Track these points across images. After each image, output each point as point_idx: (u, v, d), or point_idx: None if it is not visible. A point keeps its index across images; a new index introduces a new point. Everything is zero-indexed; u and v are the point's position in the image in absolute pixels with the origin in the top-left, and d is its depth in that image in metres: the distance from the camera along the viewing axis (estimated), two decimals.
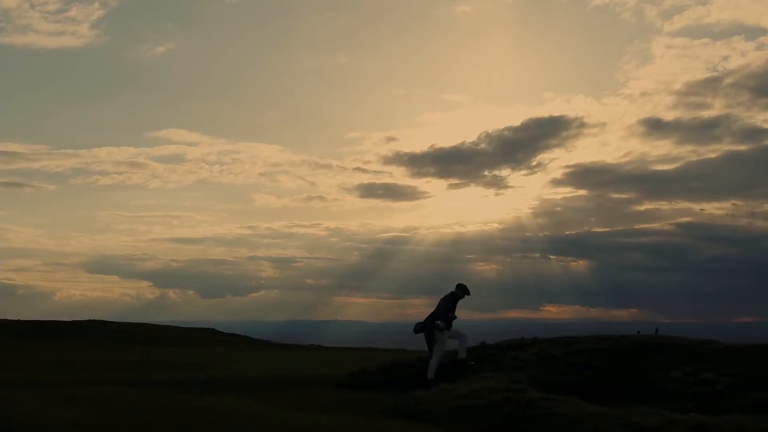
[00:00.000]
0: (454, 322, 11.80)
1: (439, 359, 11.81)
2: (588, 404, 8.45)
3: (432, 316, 11.90)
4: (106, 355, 20.62)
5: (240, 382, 12.29)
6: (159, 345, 31.08)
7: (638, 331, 41.63)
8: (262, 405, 9.07)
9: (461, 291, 12.03)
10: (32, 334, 34.83)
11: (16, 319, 43.21)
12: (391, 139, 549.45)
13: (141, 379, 12.71)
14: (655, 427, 6.86)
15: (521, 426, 7.71)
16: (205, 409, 8.55)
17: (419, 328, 11.95)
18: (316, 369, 15.51)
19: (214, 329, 44.56)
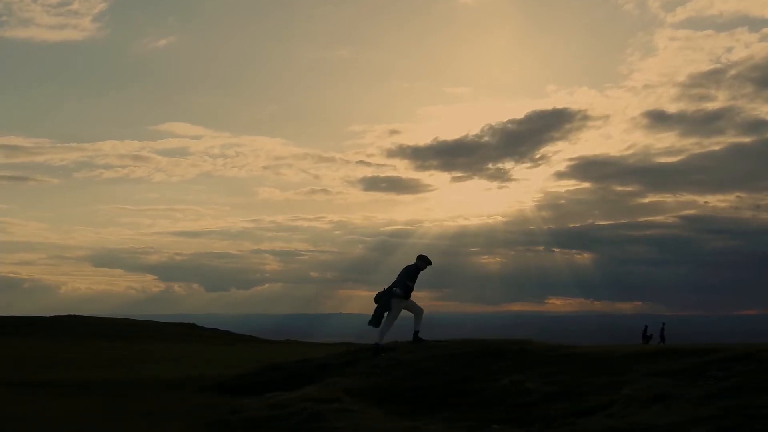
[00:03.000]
0: (413, 296, 12.06)
1: (389, 328, 12.06)
2: (383, 417, 8.17)
3: (392, 286, 12.06)
4: (34, 352, 20.54)
5: (103, 385, 12.06)
6: (123, 340, 31.21)
7: (646, 326, 40.37)
8: (64, 411, 8.85)
9: (423, 262, 12.21)
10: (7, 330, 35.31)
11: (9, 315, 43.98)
12: (394, 132, 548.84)
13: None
14: None
15: None
16: None
17: (378, 297, 12.07)
18: (236, 369, 15.13)
19: (194, 324, 44.73)
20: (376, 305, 12.16)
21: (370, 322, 12.21)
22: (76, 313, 45.59)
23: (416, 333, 12.36)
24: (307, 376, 11.64)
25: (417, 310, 12.27)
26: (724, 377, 7.34)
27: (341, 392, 9.39)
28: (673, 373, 7.91)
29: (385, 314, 12.04)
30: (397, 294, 11.93)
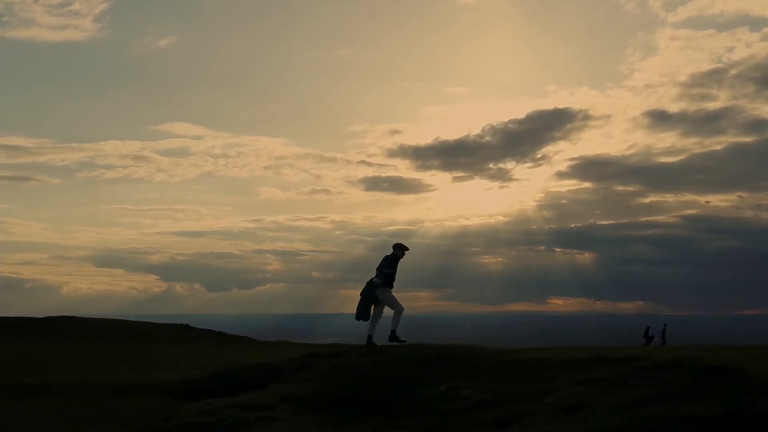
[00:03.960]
0: (399, 298, 12.21)
1: (378, 319, 12.28)
2: (311, 425, 8.15)
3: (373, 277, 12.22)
4: (10, 353, 20.58)
5: (54, 388, 12.04)
6: (111, 341, 31.26)
7: (648, 327, 40.22)
8: None
9: (399, 249, 12.38)
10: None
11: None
12: (395, 132, 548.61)
13: None
14: None
15: None
16: None
17: (362, 291, 12.22)
18: (198, 372, 15.08)
19: (187, 325, 44.74)
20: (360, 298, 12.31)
21: (358, 317, 12.35)
22: (74, 314, 45.64)
23: (393, 332, 12.42)
24: (259, 380, 11.64)
25: (397, 309, 12.31)
26: (645, 385, 7.28)
27: (279, 399, 9.39)
28: (598, 381, 7.85)
29: (372, 306, 12.24)
30: (377, 284, 12.11)
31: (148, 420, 8.88)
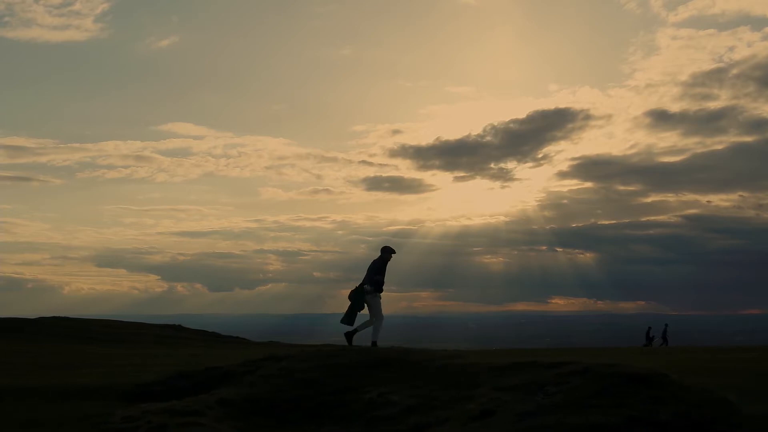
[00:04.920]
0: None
1: (381, 323, 12.22)
2: (226, 430, 8.08)
3: (362, 283, 12.20)
4: None
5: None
6: (98, 343, 31.39)
7: (649, 327, 40.34)
8: None
9: (387, 252, 12.31)
10: None
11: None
12: (396, 131, 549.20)
13: None
14: None
15: None
16: None
17: (351, 295, 12.21)
18: (155, 375, 15.09)
19: (180, 325, 44.86)
20: (350, 302, 12.27)
21: (343, 320, 12.34)
22: (67, 315, 45.79)
23: (374, 343, 12.29)
24: (209, 384, 11.59)
25: (380, 318, 12.26)
26: (560, 392, 7.19)
27: (214, 403, 9.34)
28: (518, 387, 7.76)
29: (357, 313, 12.19)
30: (368, 291, 12.09)
31: (78, 425, 8.85)
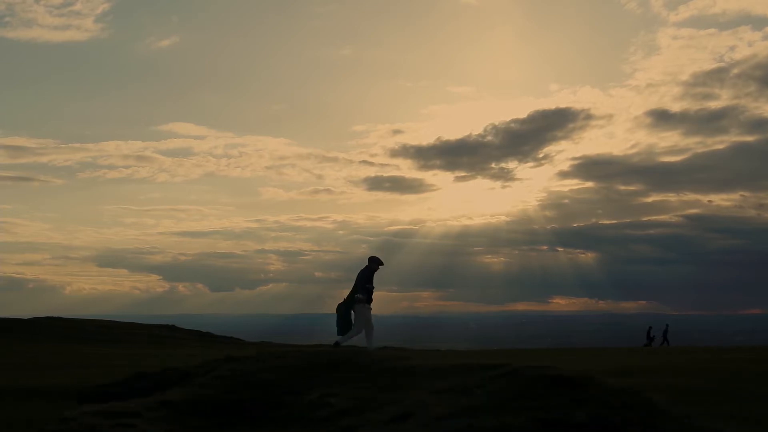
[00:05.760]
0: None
1: (372, 330, 12.14)
2: None
3: (351, 293, 12.16)
4: None
5: None
6: (85, 343, 31.48)
7: (650, 327, 40.47)
8: None
9: (375, 263, 12.30)
10: None
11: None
12: (397, 131, 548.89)
13: None
14: None
15: None
16: None
17: (339, 307, 12.24)
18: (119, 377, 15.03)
19: (173, 325, 44.97)
20: (338, 315, 12.31)
21: (339, 332, 12.34)
22: (67, 315, 45.91)
23: (337, 344, 12.26)
24: (166, 384, 11.60)
25: (371, 328, 12.21)
26: (484, 394, 7.18)
27: (157, 405, 9.34)
28: (450, 389, 7.74)
29: (354, 322, 12.17)
30: (359, 300, 12.05)
31: (16, 428, 8.89)
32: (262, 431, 8.41)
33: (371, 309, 12.35)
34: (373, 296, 12.32)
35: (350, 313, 12.19)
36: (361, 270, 12.34)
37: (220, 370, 11.23)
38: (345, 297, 12.37)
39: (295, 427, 8.32)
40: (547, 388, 6.99)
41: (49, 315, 42.58)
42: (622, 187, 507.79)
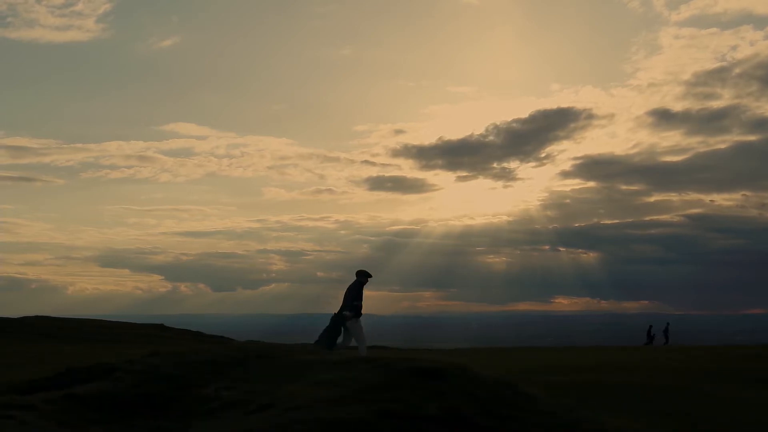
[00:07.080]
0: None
1: (364, 342, 12.15)
2: (54, 426, 8.12)
3: (341, 308, 12.20)
4: None
5: None
6: (70, 342, 31.60)
7: (650, 326, 40.42)
8: None
9: (364, 276, 12.35)
10: None
11: None
12: (399, 131, 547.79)
13: None
14: None
15: None
16: None
17: (334, 317, 12.24)
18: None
19: (162, 325, 45.11)
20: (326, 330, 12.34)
21: (325, 345, 12.25)
22: (50, 314, 46.07)
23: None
24: (90, 379, 11.63)
25: (363, 342, 12.26)
26: (347, 385, 7.14)
27: (59, 398, 9.38)
28: (328, 382, 7.72)
29: (341, 337, 12.28)
30: (347, 317, 12.08)
31: None
32: (149, 423, 8.42)
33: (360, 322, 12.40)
34: (362, 311, 12.37)
35: (338, 331, 12.24)
36: (350, 285, 12.35)
37: (138, 365, 11.27)
38: (335, 313, 12.40)
39: (176, 420, 8.34)
40: (409, 380, 6.96)
41: (47, 315, 42.76)
42: (624, 187, 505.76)
